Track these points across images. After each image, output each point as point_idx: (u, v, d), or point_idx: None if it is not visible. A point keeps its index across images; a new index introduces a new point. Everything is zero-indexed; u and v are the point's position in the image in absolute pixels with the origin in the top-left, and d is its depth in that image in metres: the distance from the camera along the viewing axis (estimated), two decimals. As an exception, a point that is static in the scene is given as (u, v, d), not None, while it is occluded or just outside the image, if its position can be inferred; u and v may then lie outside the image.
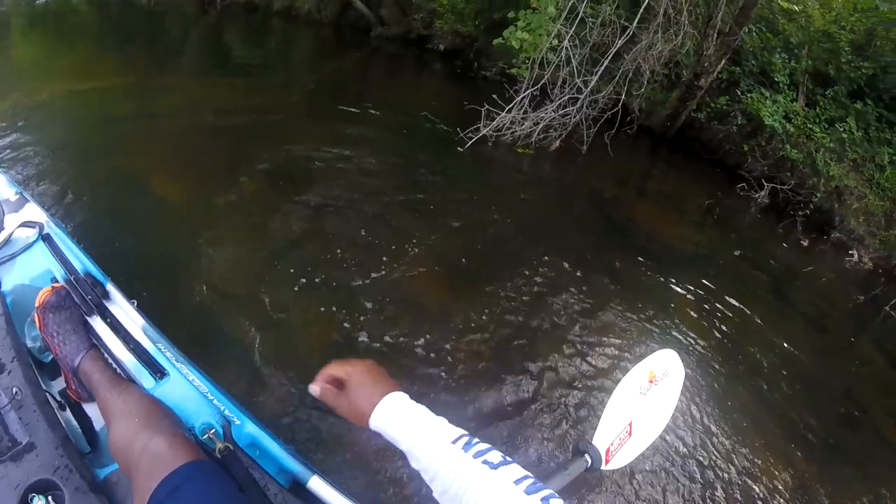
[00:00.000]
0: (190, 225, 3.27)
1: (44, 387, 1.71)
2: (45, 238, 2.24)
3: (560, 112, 4.54)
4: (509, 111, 4.49)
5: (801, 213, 4.74)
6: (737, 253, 4.04)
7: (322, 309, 2.67)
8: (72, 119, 4.65)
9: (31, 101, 4.97)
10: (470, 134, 4.43)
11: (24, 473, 1.36)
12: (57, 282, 1.98)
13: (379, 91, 6.83)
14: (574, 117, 4.57)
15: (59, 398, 1.73)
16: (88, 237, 2.86)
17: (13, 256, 2.16)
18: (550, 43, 4.28)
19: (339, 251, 3.07)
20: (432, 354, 2.48)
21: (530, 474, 0.73)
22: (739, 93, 5.42)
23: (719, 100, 5.46)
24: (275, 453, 1.40)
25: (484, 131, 4.43)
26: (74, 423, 1.68)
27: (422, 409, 0.89)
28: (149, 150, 4.26)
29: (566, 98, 4.50)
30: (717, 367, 2.77)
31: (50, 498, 1.33)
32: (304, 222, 3.30)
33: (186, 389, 1.57)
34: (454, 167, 4.32)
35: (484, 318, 2.75)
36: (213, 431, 1.40)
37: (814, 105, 5.26)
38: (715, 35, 4.83)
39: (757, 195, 4.88)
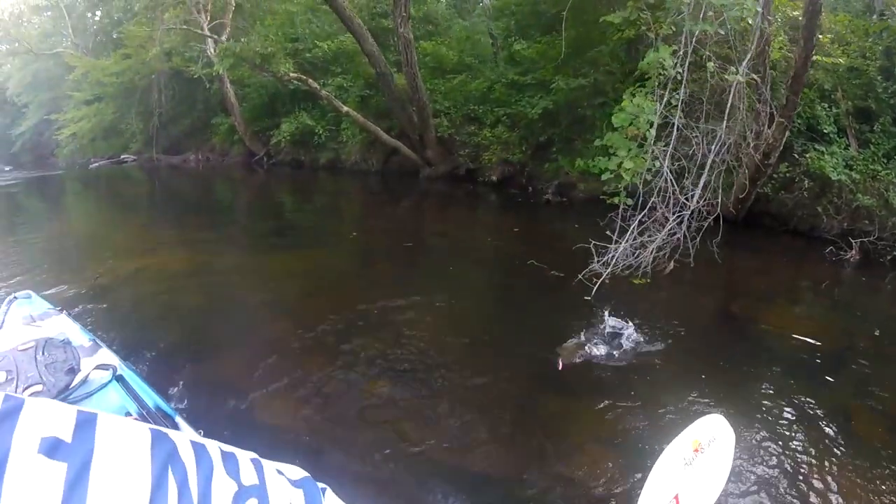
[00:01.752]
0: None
1: None
2: (119, 378, 2.56)
3: (666, 231, 4.47)
4: (620, 242, 4.39)
5: (889, 257, 4.75)
6: (875, 333, 3.81)
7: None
8: (136, 294, 5.13)
9: (91, 279, 5.42)
10: (594, 279, 4.20)
11: None
12: (130, 416, 2.26)
13: (448, 236, 6.98)
14: (680, 233, 4.50)
15: None
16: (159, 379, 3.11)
17: (90, 394, 2.45)
18: (652, 165, 4.38)
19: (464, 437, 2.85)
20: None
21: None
22: (796, 156, 5.58)
23: (779, 168, 5.59)
24: None
25: (605, 272, 4.23)
26: None
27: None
28: (208, 319, 4.54)
29: (674, 217, 4.47)
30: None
31: None
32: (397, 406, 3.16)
33: None
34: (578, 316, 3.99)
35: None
36: None
37: (866, 144, 5.38)
38: (767, 110, 5.04)
39: (848, 255, 4.85)
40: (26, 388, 2.41)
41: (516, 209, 7.70)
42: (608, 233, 4.55)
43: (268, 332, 4.22)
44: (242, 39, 11.01)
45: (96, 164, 15.48)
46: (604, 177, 4.46)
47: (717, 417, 1.54)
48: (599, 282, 4.21)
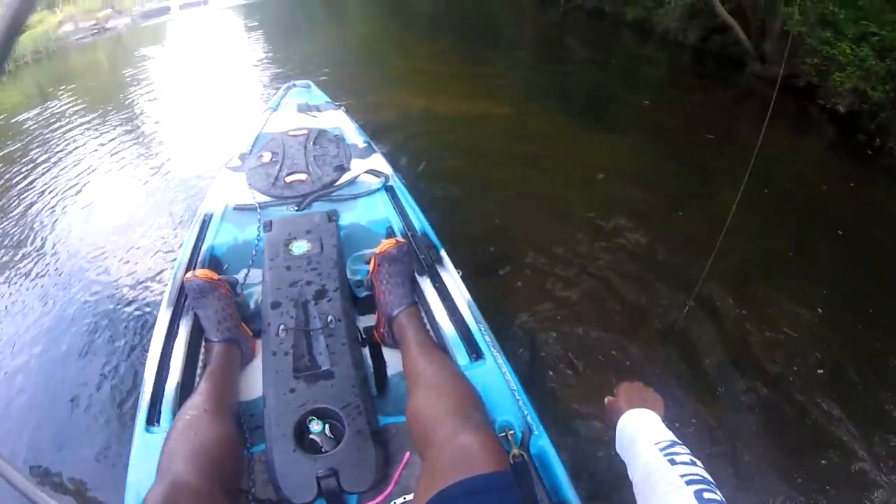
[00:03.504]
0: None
1: (356, 323, 1.91)
2: (388, 189, 2.54)
3: None
4: None
5: None
6: None
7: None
8: (418, 128, 5.66)
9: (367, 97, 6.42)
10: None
11: (312, 396, 1.50)
12: (393, 233, 2.26)
13: (770, 153, 5.43)
14: None
15: (363, 335, 1.91)
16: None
17: (355, 197, 2.47)
18: None
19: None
20: None
21: (706, 478, 0.81)
22: None
23: None
24: (558, 477, 1.37)
25: None
26: (369, 361, 1.85)
27: (661, 424, 1.02)
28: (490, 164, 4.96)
29: None
30: None
31: (328, 426, 1.45)
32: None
33: (497, 380, 1.61)
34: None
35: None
36: (511, 433, 1.42)
37: None
38: None
39: None
40: (290, 174, 2.57)
41: (857, 161, 6.38)
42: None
43: (541, 212, 4.25)
44: None
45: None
46: None
47: None
48: None
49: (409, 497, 1.29)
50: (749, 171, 2.53)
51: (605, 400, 1.21)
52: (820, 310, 3.30)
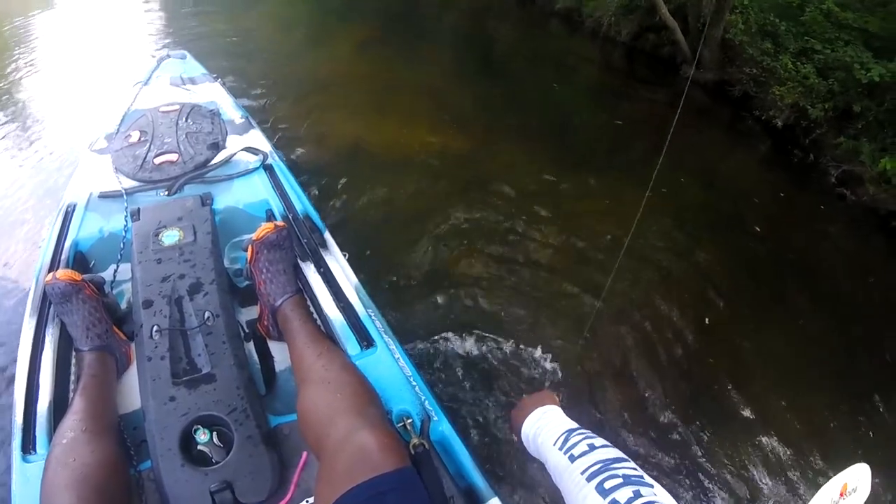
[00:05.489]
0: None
1: (237, 317, 1.81)
2: (267, 168, 2.39)
3: None
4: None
5: None
6: None
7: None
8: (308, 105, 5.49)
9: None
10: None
11: (195, 403, 1.41)
12: (273, 216, 2.15)
13: (697, 164, 5.87)
14: None
15: (245, 328, 1.83)
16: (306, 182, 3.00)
17: (231, 177, 2.30)
18: None
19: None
20: None
21: (604, 459, 0.81)
22: None
23: None
24: (462, 462, 1.37)
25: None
26: (255, 357, 1.77)
27: (557, 416, 1.06)
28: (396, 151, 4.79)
29: None
30: None
31: (215, 434, 1.37)
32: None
33: (391, 368, 1.57)
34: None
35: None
36: (409, 421, 1.39)
37: None
38: None
39: None
40: (159, 155, 2.39)
41: (791, 176, 6.25)
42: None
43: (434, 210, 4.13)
44: None
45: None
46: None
47: (865, 469, 1.46)
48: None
49: (311, 500, 1.23)
50: (656, 169, 2.52)
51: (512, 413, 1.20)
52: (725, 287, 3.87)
